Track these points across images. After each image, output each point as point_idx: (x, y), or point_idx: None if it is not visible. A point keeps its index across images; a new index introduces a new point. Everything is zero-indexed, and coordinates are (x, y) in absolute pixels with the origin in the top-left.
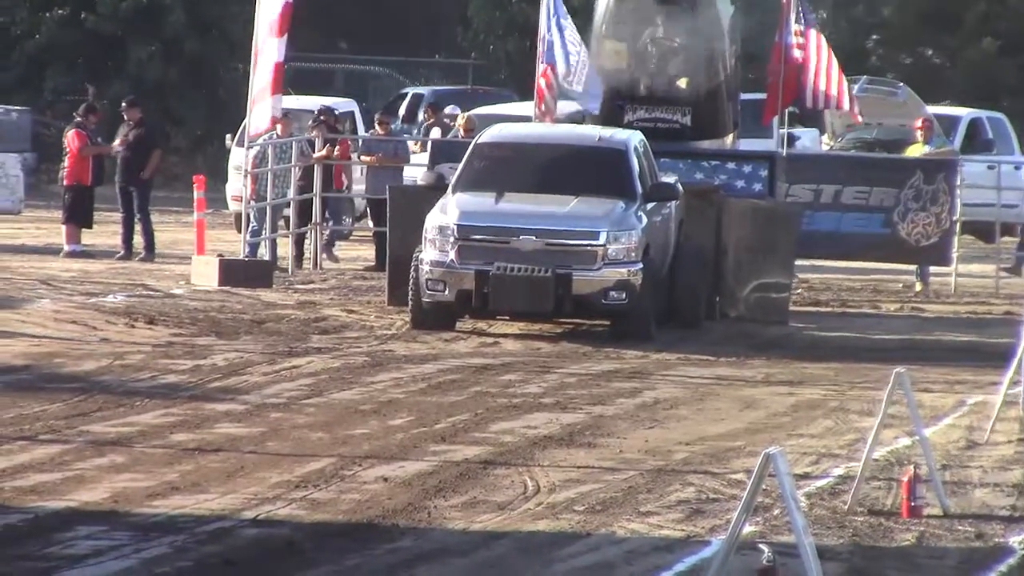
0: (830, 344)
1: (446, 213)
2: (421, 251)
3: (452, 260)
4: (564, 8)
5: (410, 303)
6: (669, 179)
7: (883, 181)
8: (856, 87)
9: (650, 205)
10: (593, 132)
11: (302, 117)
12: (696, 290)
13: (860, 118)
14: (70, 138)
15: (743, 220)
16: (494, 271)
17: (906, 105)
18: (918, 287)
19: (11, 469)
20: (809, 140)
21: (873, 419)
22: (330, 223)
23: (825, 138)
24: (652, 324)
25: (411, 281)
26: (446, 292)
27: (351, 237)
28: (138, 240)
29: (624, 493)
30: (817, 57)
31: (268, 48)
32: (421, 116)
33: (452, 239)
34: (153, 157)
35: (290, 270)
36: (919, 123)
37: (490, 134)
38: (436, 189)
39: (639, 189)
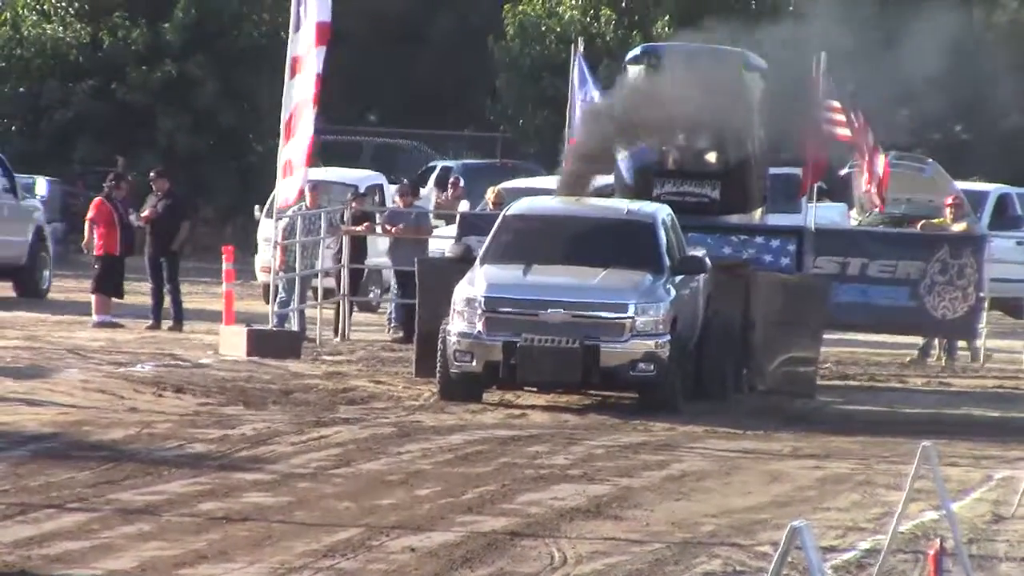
0: (857, 418)
1: (474, 285)
2: (449, 322)
3: (480, 331)
4: (591, 79)
5: (438, 374)
6: (697, 253)
7: (910, 255)
8: None
9: (678, 278)
10: (621, 205)
11: (331, 189)
12: (723, 365)
13: (881, 205)
14: (94, 209)
15: (772, 294)
16: (521, 343)
17: (934, 181)
18: (944, 362)
19: (39, 537)
20: (838, 215)
21: (900, 493)
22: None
23: (853, 213)
24: (680, 397)
25: (439, 352)
26: (473, 363)
27: (378, 309)
28: (167, 310)
29: (651, 565)
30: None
31: (301, 121)
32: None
33: (480, 311)
34: (182, 228)
35: (318, 340)
36: (949, 200)
37: (518, 207)
38: (464, 261)
39: (667, 262)
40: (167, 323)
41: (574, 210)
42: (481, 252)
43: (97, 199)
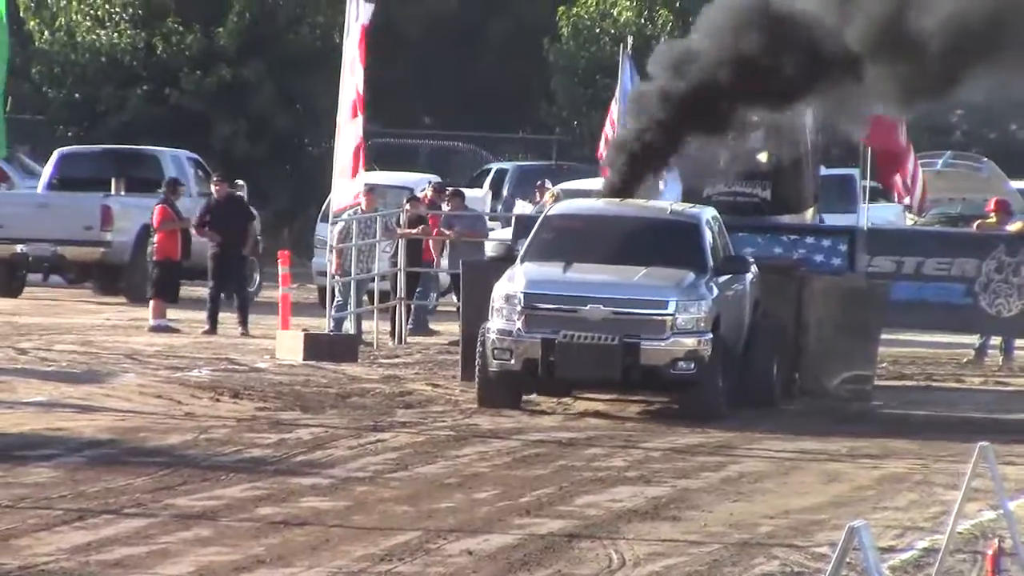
0: (915, 418)
1: (513, 281)
2: (488, 321)
3: (519, 329)
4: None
5: (477, 375)
6: (743, 255)
7: (965, 253)
8: (940, 161)
9: (722, 278)
10: (665, 206)
11: (387, 193)
12: (770, 369)
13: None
14: (155, 215)
15: (826, 297)
16: (560, 339)
17: (989, 180)
18: (1001, 361)
19: (96, 543)
20: (893, 215)
21: (957, 492)
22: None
23: (909, 213)
24: (722, 399)
25: (478, 352)
26: (512, 361)
27: (436, 312)
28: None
29: (709, 566)
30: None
31: (348, 127)
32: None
33: (519, 307)
34: (250, 230)
35: (374, 344)
36: (992, 204)
37: (560, 207)
38: (505, 261)
39: (710, 261)
40: (222, 327)
41: (617, 210)
42: (522, 251)
43: (159, 206)
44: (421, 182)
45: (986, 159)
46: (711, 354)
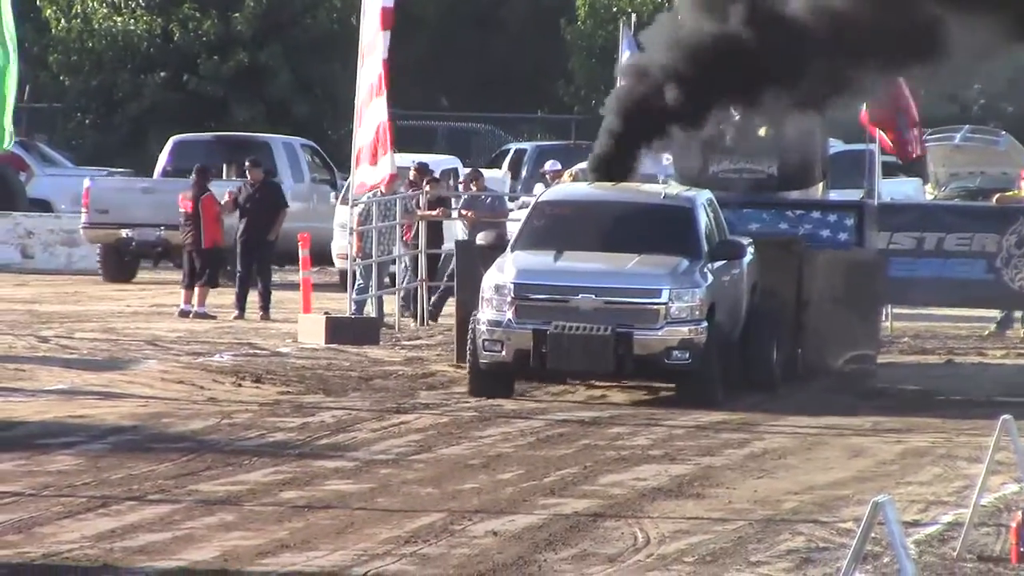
0: (937, 391)
1: (503, 271)
2: (478, 311)
3: (509, 319)
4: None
5: (468, 365)
6: (741, 238)
7: (985, 228)
8: (958, 136)
9: (717, 264)
10: (658, 190)
11: (407, 174)
12: (769, 354)
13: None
14: (204, 204)
15: (826, 272)
16: (551, 330)
17: (1008, 153)
18: (1022, 334)
19: (121, 530)
20: (912, 189)
21: (981, 465)
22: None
23: (928, 187)
24: (718, 387)
25: (469, 343)
26: (503, 352)
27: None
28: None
29: (734, 543)
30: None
31: (373, 108)
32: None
33: (509, 298)
34: (279, 216)
35: (396, 326)
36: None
37: (552, 193)
38: (496, 248)
39: (704, 247)
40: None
41: (609, 196)
42: (513, 239)
43: (207, 195)
44: (440, 164)
45: (1004, 132)
46: (706, 342)
